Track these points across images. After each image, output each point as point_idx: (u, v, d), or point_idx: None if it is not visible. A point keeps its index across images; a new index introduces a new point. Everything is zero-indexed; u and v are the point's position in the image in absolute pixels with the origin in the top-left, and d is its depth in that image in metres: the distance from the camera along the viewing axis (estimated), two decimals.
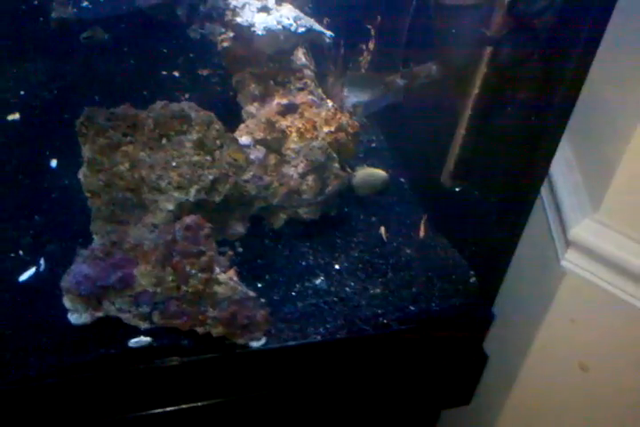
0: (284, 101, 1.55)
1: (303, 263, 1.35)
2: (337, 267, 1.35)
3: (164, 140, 1.22)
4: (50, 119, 1.60)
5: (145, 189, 1.20)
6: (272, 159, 1.39)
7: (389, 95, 1.25)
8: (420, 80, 1.18)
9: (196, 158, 1.21)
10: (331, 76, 1.77)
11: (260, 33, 1.56)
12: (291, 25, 1.59)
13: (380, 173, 1.53)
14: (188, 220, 1.15)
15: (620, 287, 1.19)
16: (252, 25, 1.57)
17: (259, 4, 1.62)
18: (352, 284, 1.32)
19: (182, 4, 2.04)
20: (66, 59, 1.85)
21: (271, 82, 1.62)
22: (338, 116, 1.50)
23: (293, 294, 1.29)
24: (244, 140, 1.38)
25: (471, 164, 1.14)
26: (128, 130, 1.21)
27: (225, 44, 1.65)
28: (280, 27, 1.58)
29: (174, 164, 1.20)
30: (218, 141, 1.27)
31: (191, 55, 1.92)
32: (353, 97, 1.33)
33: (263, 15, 1.60)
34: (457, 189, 1.17)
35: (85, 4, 2.04)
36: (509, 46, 1.05)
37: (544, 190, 1.33)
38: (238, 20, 1.58)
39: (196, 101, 1.74)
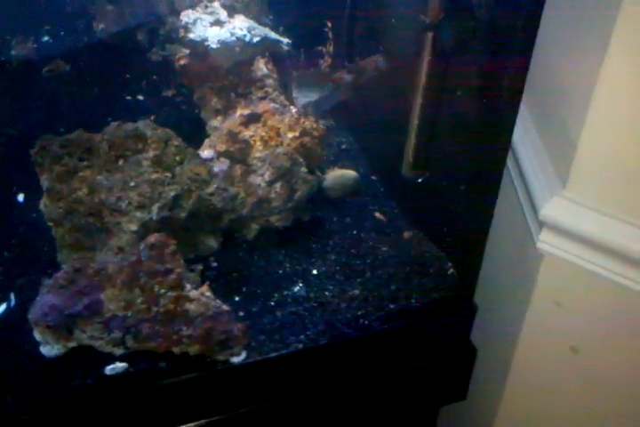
0: (246, 112, 1.54)
1: (280, 272, 1.34)
2: (314, 272, 1.33)
3: (120, 162, 1.21)
4: (16, 155, 1.59)
5: (106, 212, 1.18)
6: (237, 170, 1.38)
7: (338, 92, 1.23)
8: (367, 74, 1.16)
9: (154, 176, 1.20)
10: (293, 82, 1.76)
11: (214, 46, 1.55)
12: (245, 35, 1.59)
13: (350, 173, 1.52)
14: (152, 238, 1.13)
15: (599, 264, 1.17)
16: (205, 39, 1.56)
17: (211, 19, 1.61)
18: (331, 287, 1.30)
19: (142, 28, 2.04)
20: (30, 94, 1.84)
21: (232, 94, 1.62)
22: (302, 120, 1.49)
23: (272, 303, 1.27)
24: (207, 153, 1.37)
25: (429, 153, 1.12)
26: (84, 154, 1.21)
27: (182, 62, 1.65)
28: (234, 38, 1.58)
29: (133, 184, 1.18)
30: (177, 157, 1.27)
31: (154, 77, 1.91)
32: (302, 97, 1.32)
33: (216, 29, 1.60)
34: (419, 181, 1.15)
35: (45, 38, 2.05)
36: (449, 30, 1.03)
37: (514, 173, 1.31)
38: (191, 35, 1.58)
39: (161, 123, 1.76)
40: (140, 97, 1.87)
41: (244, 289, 1.29)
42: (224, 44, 1.56)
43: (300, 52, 1.81)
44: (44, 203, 1.20)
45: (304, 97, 1.32)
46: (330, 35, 1.77)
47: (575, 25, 1.10)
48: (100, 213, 1.19)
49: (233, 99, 1.61)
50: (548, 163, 1.22)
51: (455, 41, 1.05)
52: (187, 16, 1.60)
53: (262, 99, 1.60)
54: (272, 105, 1.57)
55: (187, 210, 1.24)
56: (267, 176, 1.37)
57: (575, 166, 1.14)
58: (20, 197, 1.46)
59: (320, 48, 1.78)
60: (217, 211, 1.31)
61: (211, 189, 1.28)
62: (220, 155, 1.38)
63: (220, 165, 1.35)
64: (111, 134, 1.21)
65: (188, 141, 1.60)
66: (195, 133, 1.63)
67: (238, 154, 1.40)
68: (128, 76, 1.94)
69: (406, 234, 1.40)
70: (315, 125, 1.49)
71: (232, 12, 1.75)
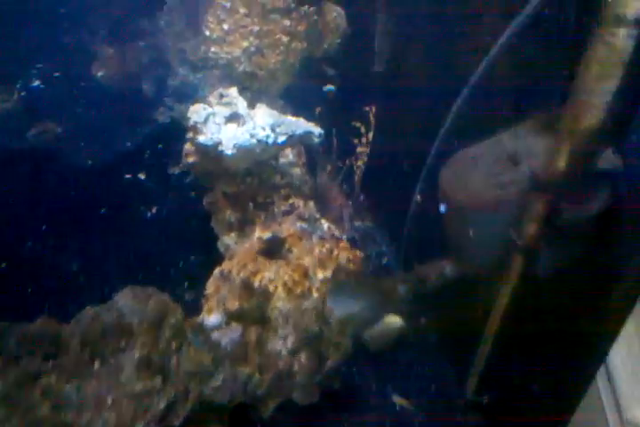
0: (267, 235, 1.24)
1: None
2: None
3: (96, 364, 0.93)
4: None
5: None
6: (252, 335, 1.08)
7: (386, 309, 0.92)
8: (429, 284, 0.86)
9: (139, 387, 0.92)
10: (324, 174, 1.44)
11: (229, 152, 1.24)
12: (267, 137, 1.27)
13: (395, 322, 1.21)
14: None
15: None
16: (218, 143, 1.25)
17: (226, 112, 1.28)
18: None
19: (148, 77, 1.72)
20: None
21: (250, 204, 1.31)
22: (335, 252, 1.20)
23: None
24: (213, 319, 1.08)
25: (495, 381, 0.83)
26: (50, 351, 0.92)
27: (190, 160, 1.33)
28: (254, 140, 1.26)
29: (110, 400, 0.90)
30: (173, 343, 0.98)
31: (159, 146, 1.59)
32: (339, 309, 1.00)
33: (233, 127, 1.27)
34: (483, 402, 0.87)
35: (36, 83, 1.73)
36: (547, 257, 0.73)
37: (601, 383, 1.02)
38: (201, 138, 1.25)
39: (164, 221, 1.47)
40: (142, 176, 1.56)
41: None
42: (241, 149, 1.25)
43: (333, 138, 1.48)
44: None
45: (340, 308, 1.00)
46: (371, 119, 1.45)
47: None
48: None
49: (251, 211, 1.31)
50: None
51: (552, 270, 0.75)
52: (196, 113, 1.26)
53: (287, 213, 1.30)
54: (299, 224, 1.28)
55: (181, 416, 0.96)
56: (289, 342, 1.08)
57: None
58: None
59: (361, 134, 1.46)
60: (223, 403, 1.02)
61: (215, 382, 1.00)
62: (230, 316, 1.09)
63: (230, 334, 1.06)
64: (85, 327, 0.92)
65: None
66: (204, 249, 1.35)
67: (253, 312, 1.10)
68: (129, 144, 1.64)
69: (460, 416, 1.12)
70: (352, 256, 1.21)
71: (254, 81, 1.42)
